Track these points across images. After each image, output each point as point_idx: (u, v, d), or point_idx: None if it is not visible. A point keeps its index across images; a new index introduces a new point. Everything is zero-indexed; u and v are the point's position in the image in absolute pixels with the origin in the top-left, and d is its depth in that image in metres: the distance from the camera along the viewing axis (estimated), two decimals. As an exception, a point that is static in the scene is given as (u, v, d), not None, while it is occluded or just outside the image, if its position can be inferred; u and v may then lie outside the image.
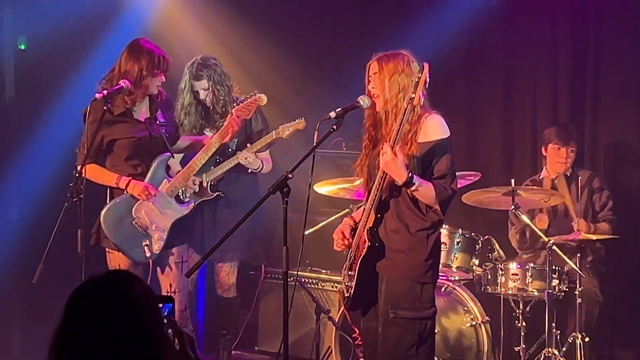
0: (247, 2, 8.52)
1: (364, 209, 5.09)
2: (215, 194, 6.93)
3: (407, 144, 4.85)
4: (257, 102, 6.19)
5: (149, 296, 2.58)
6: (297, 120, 6.59)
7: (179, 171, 6.32)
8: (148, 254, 6.07)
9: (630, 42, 7.56)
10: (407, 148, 4.84)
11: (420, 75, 4.73)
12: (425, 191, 4.83)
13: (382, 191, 4.92)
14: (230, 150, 7.03)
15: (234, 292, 7.17)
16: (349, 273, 5.08)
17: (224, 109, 6.82)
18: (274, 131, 6.73)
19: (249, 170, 6.90)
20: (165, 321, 2.67)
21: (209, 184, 6.90)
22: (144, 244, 6.07)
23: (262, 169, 6.96)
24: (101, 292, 2.53)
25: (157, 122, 6.19)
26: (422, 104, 4.82)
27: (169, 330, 2.70)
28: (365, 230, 4.95)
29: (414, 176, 4.76)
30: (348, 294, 5.09)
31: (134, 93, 6.03)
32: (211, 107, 6.90)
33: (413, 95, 4.72)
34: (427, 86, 4.78)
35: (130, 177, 6.11)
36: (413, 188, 4.78)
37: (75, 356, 2.47)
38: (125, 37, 6.61)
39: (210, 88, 6.97)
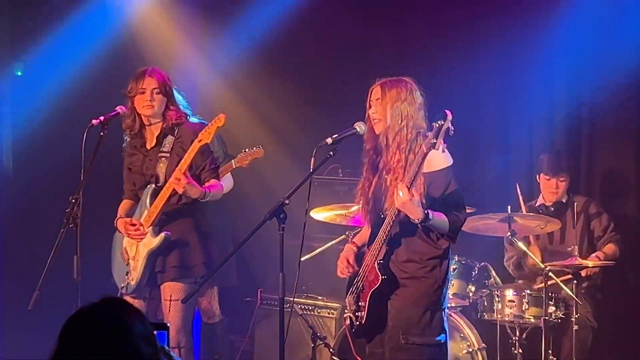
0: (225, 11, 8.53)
1: (369, 236, 5.09)
2: None
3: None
4: (217, 124, 5.86)
5: (144, 324, 2.56)
6: (255, 149, 6.62)
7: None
8: (123, 285, 6.00)
9: (625, 65, 7.56)
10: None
11: (443, 123, 4.66)
12: (439, 223, 4.86)
13: (394, 226, 4.92)
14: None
15: (218, 317, 7.16)
16: (360, 303, 5.08)
17: None
18: (233, 160, 6.77)
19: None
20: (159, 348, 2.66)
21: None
22: (126, 275, 6.02)
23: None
24: (95, 320, 2.52)
25: (161, 152, 6.03)
26: (444, 151, 4.81)
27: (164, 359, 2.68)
28: (377, 264, 4.96)
29: (429, 212, 4.77)
30: (358, 323, 5.09)
31: (129, 117, 6.00)
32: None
33: (434, 141, 4.66)
34: (450, 134, 4.70)
35: (119, 217, 6.09)
36: (428, 224, 4.80)
37: None
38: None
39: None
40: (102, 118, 5.86)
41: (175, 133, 5.99)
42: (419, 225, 4.85)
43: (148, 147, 6.05)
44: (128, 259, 6.02)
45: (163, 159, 5.98)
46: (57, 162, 7.66)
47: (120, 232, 6.07)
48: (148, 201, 5.97)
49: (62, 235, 5.60)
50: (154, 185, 5.98)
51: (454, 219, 4.90)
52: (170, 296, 5.92)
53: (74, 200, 5.64)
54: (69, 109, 7.87)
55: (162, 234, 5.90)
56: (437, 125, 4.66)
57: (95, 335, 2.47)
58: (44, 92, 7.99)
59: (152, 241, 5.92)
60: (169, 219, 5.97)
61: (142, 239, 5.94)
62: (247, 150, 6.78)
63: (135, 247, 6.01)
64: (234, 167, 6.76)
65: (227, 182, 7.00)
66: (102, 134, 5.87)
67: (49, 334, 2.53)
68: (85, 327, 2.50)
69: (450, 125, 4.65)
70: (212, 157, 6.12)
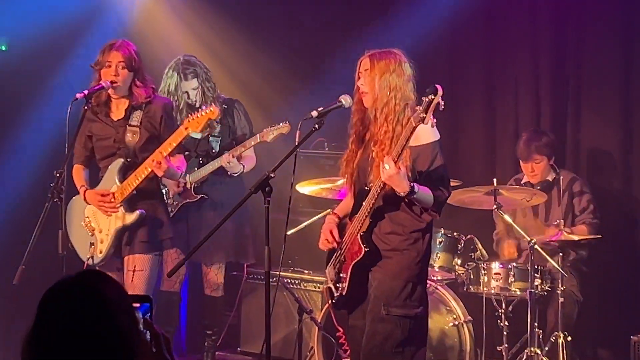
0: (227, 1, 8.50)
1: (352, 208, 5.09)
2: (199, 196, 6.92)
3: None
4: (208, 115, 5.87)
5: (122, 295, 2.55)
6: (281, 124, 6.56)
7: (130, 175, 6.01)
8: (89, 257, 5.98)
9: (610, 44, 7.58)
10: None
11: (433, 97, 4.64)
12: (424, 197, 4.84)
13: (379, 199, 4.91)
14: (214, 151, 7.02)
15: (221, 292, 7.21)
16: (341, 275, 5.08)
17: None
18: (258, 134, 6.71)
19: (229, 173, 6.88)
20: (141, 321, 2.65)
21: (192, 186, 6.89)
22: (90, 246, 5.99)
23: (242, 172, 6.94)
24: (73, 292, 2.50)
25: (129, 125, 6.00)
26: (433, 126, 4.79)
27: (146, 332, 2.67)
28: (359, 236, 4.96)
29: (415, 185, 4.76)
30: (338, 294, 5.09)
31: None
32: (199, 107, 6.82)
33: (424, 115, 4.63)
34: (440, 108, 4.67)
35: (84, 187, 6.05)
36: (414, 197, 4.79)
37: (48, 357, 2.45)
38: (105, 37, 6.58)
39: (200, 87, 6.94)
40: (86, 92, 5.82)
41: (144, 107, 5.97)
42: (404, 198, 4.85)
43: (114, 118, 6.02)
44: (93, 231, 6.00)
45: (132, 132, 5.95)
46: (42, 136, 7.63)
47: (88, 203, 6.03)
48: (117, 176, 5.93)
49: (46, 209, 5.59)
50: (122, 160, 5.95)
51: (439, 193, 4.89)
52: (135, 267, 5.91)
53: (58, 175, 5.61)
54: (54, 83, 7.83)
55: (138, 212, 5.91)
56: (428, 99, 4.64)
57: (72, 307, 2.46)
58: (29, 67, 7.93)
59: (127, 217, 5.91)
60: (140, 195, 5.97)
61: (114, 212, 5.93)
62: (272, 126, 6.71)
63: (103, 219, 5.99)
64: (258, 141, 6.70)
65: (249, 161, 6.99)
66: (86, 107, 5.84)
67: (35, 308, 2.52)
68: (63, 298, 2.49)
69: (440, 100, 4.63)
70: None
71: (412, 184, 4.74)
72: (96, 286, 2.52)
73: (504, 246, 7.36)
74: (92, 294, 2.49)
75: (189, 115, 6.01)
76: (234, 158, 6.78)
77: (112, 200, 5.92)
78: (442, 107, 4.64)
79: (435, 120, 4.74)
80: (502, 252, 7.36)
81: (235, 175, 6.93)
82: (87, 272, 2.61)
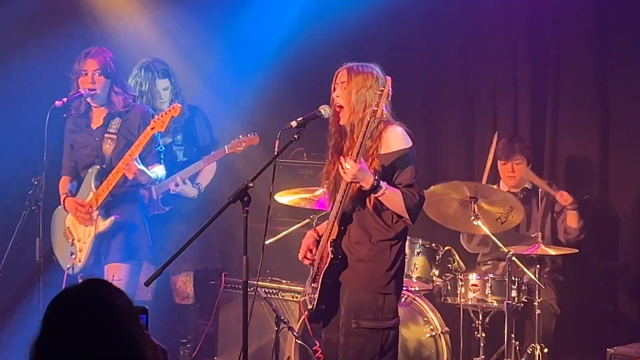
0: (206, 6, 8.47)
1: (328, 221, 5.09)
2: (167, 208, 6.88)
3: (368, 159, 4.85)
4: (171, 113, 5.92)
5: (128, 302, 2.56)
6: (250, 135, 6.56)
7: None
8: (69, 266, 5.97)
9: (587, 53, 7.62)
10: (369, 163, 4.84)
11: (383, 88, 4.73)
12: (392, 196, 4.82)
13: (346, 204, 4.91)
14: (178, 160, 7.00)
15: (192, 300, 7.18)
16: (312, 285, 5.08)
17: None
18: (226, 146, 6.70)
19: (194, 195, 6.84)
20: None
21: (158, 197, 6.86)
22: (71, 256, 5.98)
23: (200, 192, 6.93)
24: (81, 300, 2.51)
25: (107, 133, 6.01)
26: (384, 116, 4.82)
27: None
28: (329, 243, 4.95)
29: (380, 181, 4.76)
30: (311, 306, 5.08)
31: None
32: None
33: (376, 108, 4.71)
34: (389, 99, 4.77)
35: (65, 195, 6.04)
36: (380, 192, 4.77)
37: None
38: (79, 40, 6.56)
39: (171, 87, 6.91)
40: (65, 99, 5.84)
41: (123, 115, 5.97)
42: (371, 204, 4.86)
43: (93, 127, 6.03)
44: (73, 240, 5.99)
45: (109, 140, 5.96)
46: (20, 144, 7.59)
47: (67, 211, 6.02)
48: (93, 183, 5.94)
49: (24, 217, 5.58)
50: (98, 167, 5.95)
51: (408, 195, 4.85)
52: (113, 276, 5.92)
53: (36, 182, 5.60)
54: (33, 91, 7.79)
55: (112, 218, 5.90)
56: (379, 92, 4.70)
57: (82, 314, 2.46)
58: (5, 72, 7.89)
59: (101, 224, 5.91)
60: (115, 201, 5.96)
61: (91, 223, 5.92)
62: (241, 136, 6.71)
63: (82, 228, 5.98)
64: (226, 152, 6.69)
65: (208, 172, 6.97)
66: (65, 115, 5.84)
67: (11, 315, 2.51)
68: (72, 306, 2.49)
69: (389, 89, 4.69)
70: (157, 140, 6.12)
71: (375, 177, 4.73)
72: (103, 293, 2.52)
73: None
74: (100, 302, 2.50)
75: (155, 115, 6.02)
76: (184, 183, 6.74)
77: (89, 210, 5.91)
78: (391, 93, 4.80)
79: (386, 111, 4.79)
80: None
81: (194, 198, 6.90)
82: (92, 280, 2.61)
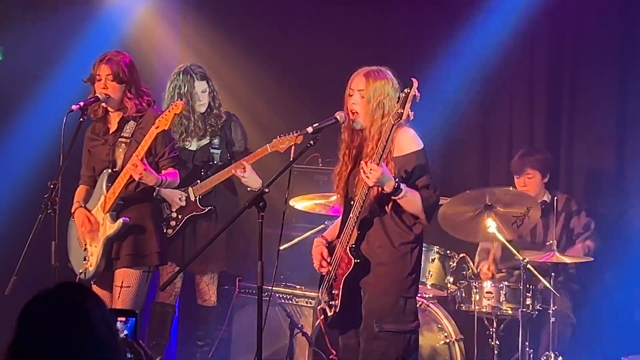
0: (224, 16, 8.51)
1: (340, 225, 5.08)
2: (207, 209, 6.87)
3: (384, 163, 4.84)
4: (174, 110, 5.84)
5: (100, 306, 2.57)
6: (293, 134, 6.45)
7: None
8: (82, 271, 5.98)
9: (605, 64, 7.61)
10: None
11: (409, 91, 4.70)
12: (411, 198, 4.82)
13: (365, 209, 4.91)
14: (214, 162, 6.97)
15: (213, 302, 7.15)
16: (334, 292, 5.04)
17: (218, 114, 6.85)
18: (268, 144, 6.63)
19: (248, 189, 6.75)
20: (123, 334, 2.67)
21: (197, 198, 6.85)
22: (84, 261, 6.00)
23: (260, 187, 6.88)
24: (53, 304, 2.52)
25: (121, 137, 6.02)
26: (411, 119, 4.79)
27: (128, 353, 2.69)
28: (349, 248, 4.94)
29: (401, 183, 4.76)
30: (332, 312, 5.06)
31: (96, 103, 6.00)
32: (208, 111, 6.85)
33: (401, 111, 4.69)
34: (417, 100, 4.73)
35: (78, 204, 6.07)
36: (400, 195, 4.76)
37: None
38: (99, 47, 6.59)
39: (209, 90, 6.91)
40: (81, 103, 5.85)
41: (138, 119, 5.99)
42: (389, 208, 4.86)
43: (110, 131, 6.06)
44: (85, 245, 6.01)
45: (122, 144, 5.98)
46: (37, 148, 7.62)
47: (74, 220, 6.06)
48: (104, 186, 5.96)
49: (40, 220, 5.59)
50: (109, 170, 5.97)
51: (426, 195, 4.86)
52: (122, 282, 5.91)
53: (52, 186, 5.61)
54: (50, 95, 7.83)
55: (121, 220, 5.90)
56: (404, 93, 4.67)
57: (54, 319, 2.48)
58: (26, 77, 7.93)
59: (110, 227, 5.92)
60: (126, 205, 5.97)
61: (91, 237, 5.94)
62: (282, 135, 6.62)
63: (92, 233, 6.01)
64: (269, 151, 6.64)
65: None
66: (81, 119, 5.86)
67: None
68: (44, 310, 2.51)
69: (416, 92, 4.66)
70: (173, 144, 6.13)
71: (396, 180, 4.73)
72: (75, 297, 2.53)
73: (481, 269, 7.28)
74: (71, 305, 2.51)
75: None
76: (248, 172, 6.65)
77: (94, 229, 5.94)
78: (419, 99, 4.69)
79: (412, 113, 4.74)
80: (480, 271, 7.31)
81: (255, 189, 6.70)
82: (65, 284, 2.63)
